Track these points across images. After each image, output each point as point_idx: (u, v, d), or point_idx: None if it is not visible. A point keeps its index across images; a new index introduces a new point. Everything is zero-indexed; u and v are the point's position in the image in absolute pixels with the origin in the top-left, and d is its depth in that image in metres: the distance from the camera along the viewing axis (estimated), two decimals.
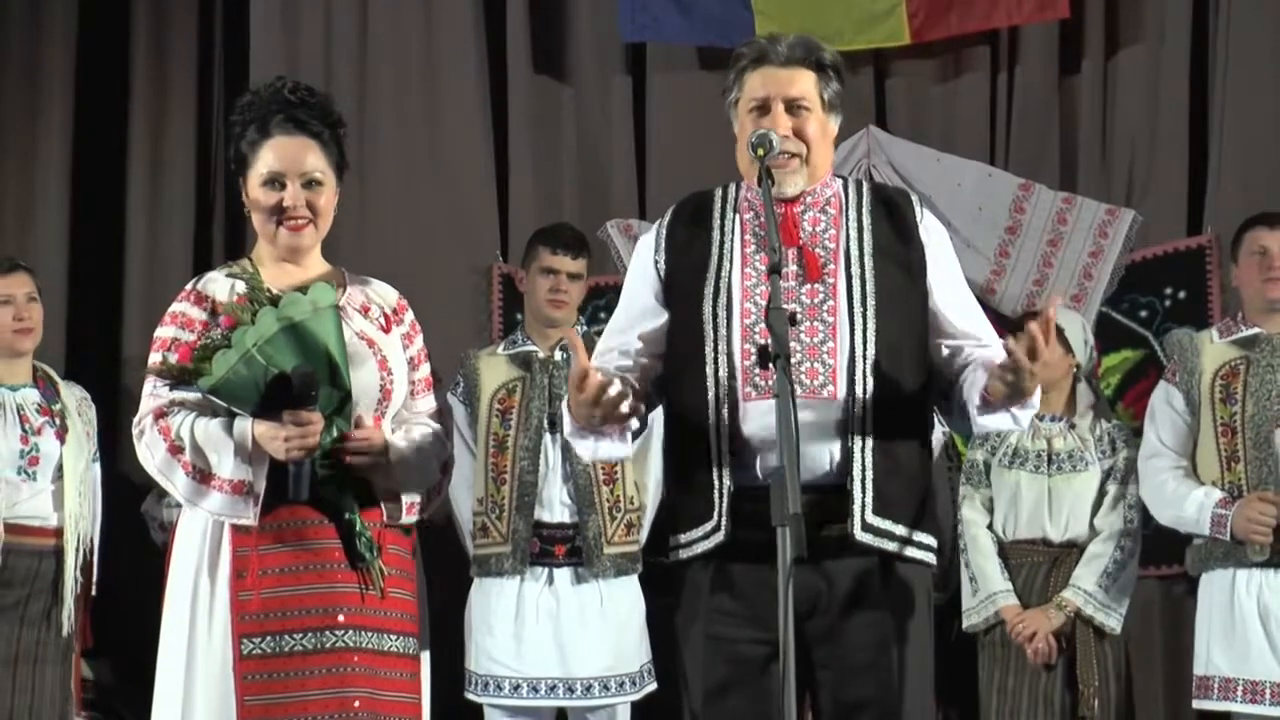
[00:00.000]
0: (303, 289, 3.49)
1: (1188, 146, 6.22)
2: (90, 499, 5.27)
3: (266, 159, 3.55)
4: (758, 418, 3.21)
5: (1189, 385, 4.96)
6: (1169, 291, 6.14)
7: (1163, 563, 5.82)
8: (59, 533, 5.17)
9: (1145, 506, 5.14)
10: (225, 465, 3.38)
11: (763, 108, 3.35)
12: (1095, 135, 6.31)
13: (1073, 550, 5.19)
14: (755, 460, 3.23)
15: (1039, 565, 5.21)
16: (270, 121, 3.56)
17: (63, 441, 5.20)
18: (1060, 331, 5.30)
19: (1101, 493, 5.21)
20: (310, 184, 3.56)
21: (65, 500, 5.16)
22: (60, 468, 5.18)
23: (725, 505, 3.23)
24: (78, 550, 5.18)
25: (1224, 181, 6.10)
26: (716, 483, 3.24)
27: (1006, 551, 5.23)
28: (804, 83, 3.37)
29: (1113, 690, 5.15)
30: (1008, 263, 6.21)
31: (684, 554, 3.31)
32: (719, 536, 3.24)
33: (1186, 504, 4.90)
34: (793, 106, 3.35)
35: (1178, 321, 5.99)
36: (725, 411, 3.25)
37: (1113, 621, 5.12)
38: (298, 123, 3.58)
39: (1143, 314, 6.15)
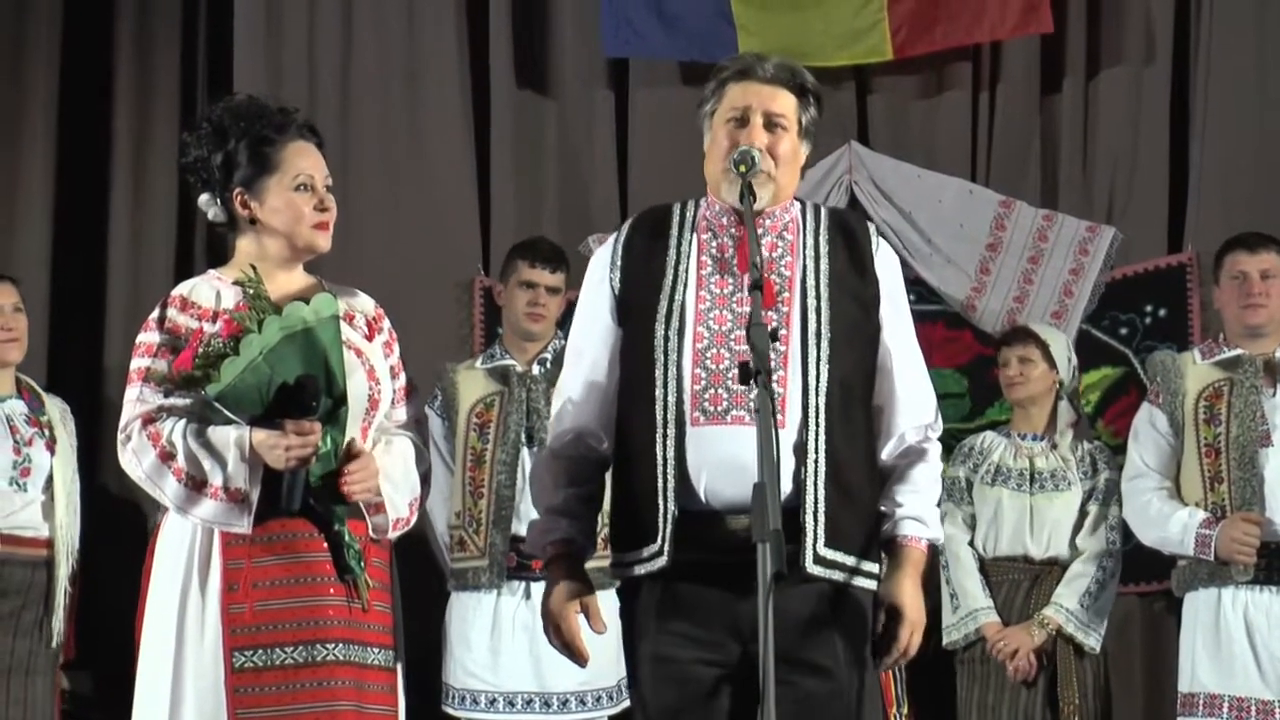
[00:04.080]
0: (302, 298, 3.48)
1: (1168, 164, 6.25)
2: (78, 508, 5.27)
3: (296, 162, 3.54)
4: (705, 443, 3.20)
5: (1172, 407, 4.97)
6: (1149, 309, 6.15)
7: (1142, 580, 5.83)
8: (50, 543, 5.18)
9: (1126, 527, 5.15)
10: (221, 473, 3.36)
11: (742, 119, 3.34)
12: (1076, 153, 6.33)
13: (1054, 568, 5.20)
14: (701, 485, 3.20)
15: (1019, 583, 5.22)
16: (282, 127, 3.56)
17: (53, 452, 5.21)
18: (1045, 347, 5.32)
19: (1082, 513, 5.22)
20: (328, 188, 3.58)
21: (55, 511, 5.17)
22: (50, 479, 5.18)
23: (669, 529, 3.21)
24: (68, 562, 5.18)
25: (1204, 199, 6.12)
26: (661, 506, 3.22)
27: (987, 568, 5.24)
28: (785, 101, 3.36)
29: (1092, 707, 5.16)
30: (988, 280, 6.21)
31: (626, 573, 3.30)
32: (661, 560, 3.22)
33: (1170, 525, 4.91)
34: (771, 123, 3.34)
35: (1158, 339, 6.01)
36: (673, 435, 3.23)
37: (1092, 641, 5.14)
38: (309, 129, 3.60)
39: (1123, 331, 6.17)
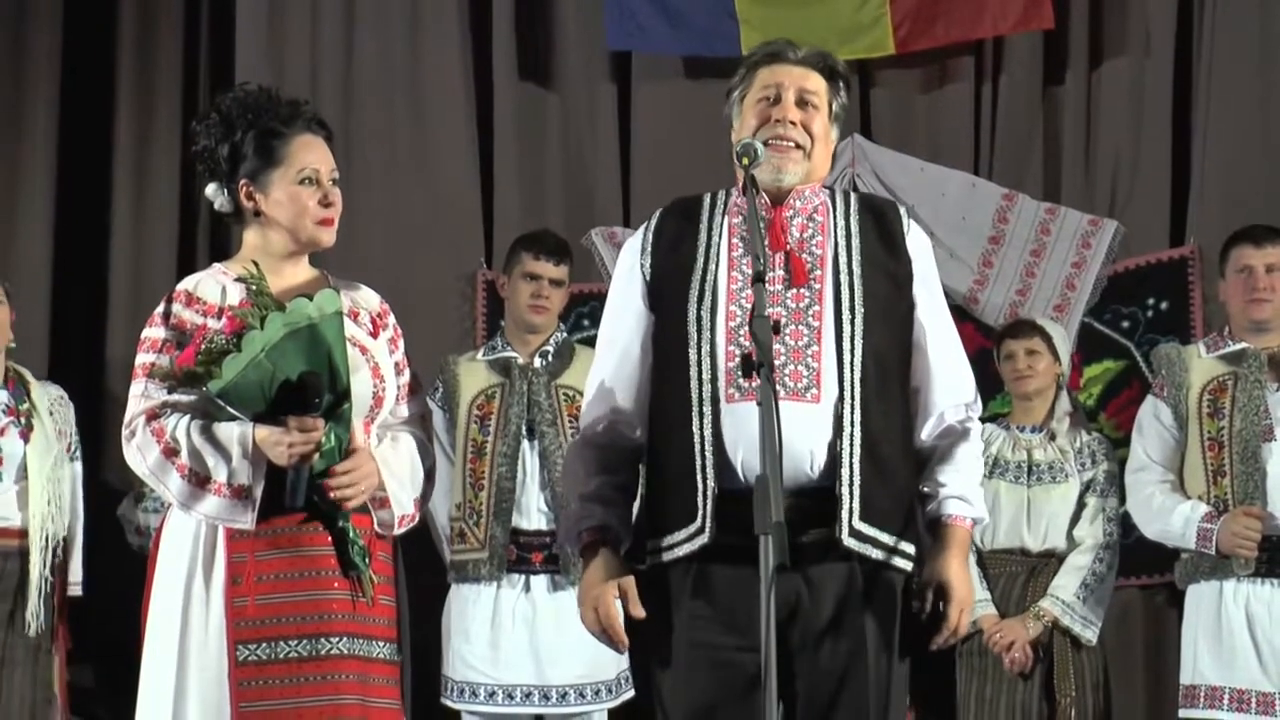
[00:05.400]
0: (306, 292, 3.48)
1: (1170, 157, 6.24)
2: (61, 498, 5.25)
3: (302, 156, 3.54)
4: (740, 419, 3.20)
5: (1177, 399, 4.97)
6: (1151, 302, 6.15)
7: (1143, 573, 5.83)
8: (24, 533, 5.16)
9: (1124, 519, 5.15)
10: (225, 469, 3.36)
11: (774, 98, 3.36)
12: (1078, 146, 6.33)
13: (1050, 560, 5.20)
14: (738, 462, 3.21)
15: (1016, 575, 5.22)
16: (289, 120, 3.56)
17: (27, 441, 5.19)
18: (1049, 339, 5.33)
19: (1080, 505, 5.22)
20: (334, 182, 3.58)
21: (30, 500, 5.15)
22: (25, 468, 5.17)
23: (710, 507, 3.21)
24: (45, 551, 5.17)
25: (1206, 193, 6.12)
26: (700, 485, 3.22)
27: (984, 560, 5.24)
28: (817, 82, 3.39)
29: (1090, 700, 5.16)
30: (991, 272, 6.22)
31: (664, 557, 3.28)
32: (703, 538, 3.21)
33: (1172, 518, 4.92)
34: (804, 100, 3.36)
35: (1160, 332, 6.01)
36: (708, 413, 3.23)
37: (1089, 633, 5.14)
38: (316, 122, 3.60)
39: (1125, 324, 6.17)
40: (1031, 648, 5.11)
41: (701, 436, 3.23)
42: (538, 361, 5.31)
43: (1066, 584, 5.12)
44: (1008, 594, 5.20)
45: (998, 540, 5.23)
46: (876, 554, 3.22)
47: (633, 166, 6.52)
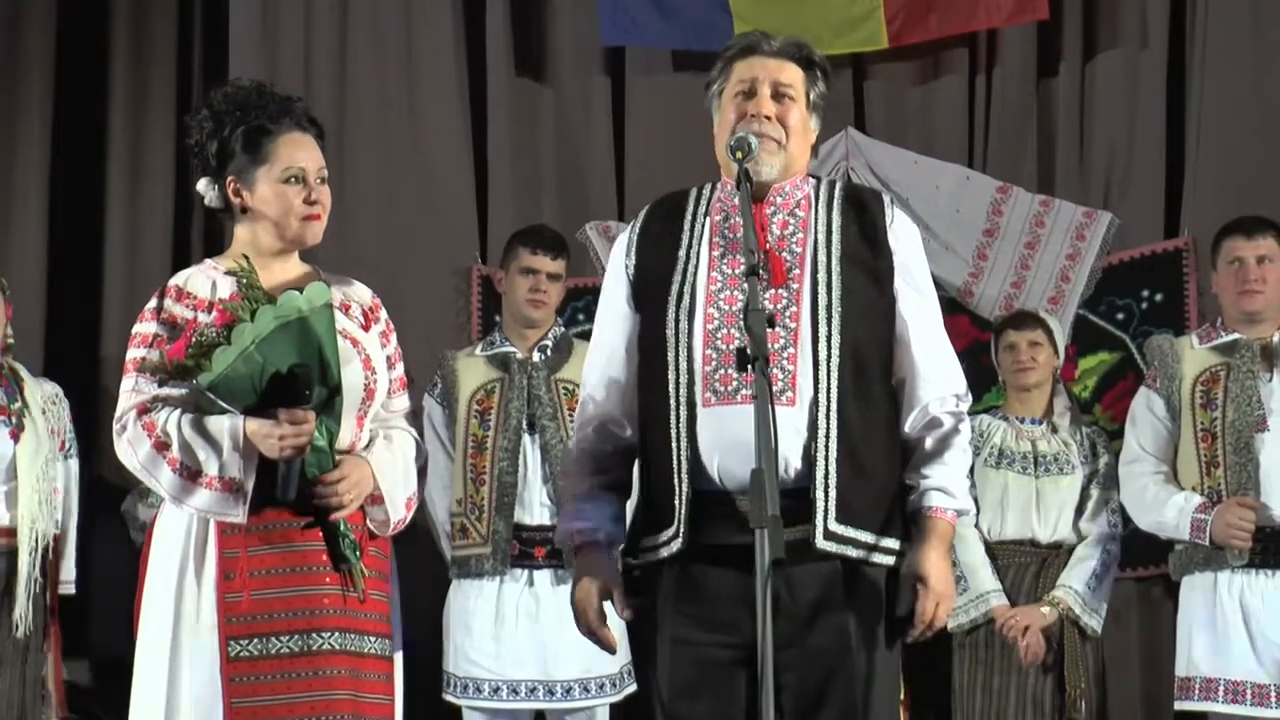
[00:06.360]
0: (297, 287, 3.48)
1: (1165, 149, 6.25)
2: (52, 498, 5.23)
3: (288, 154, 3.54)
4: (715, 424, 3.20)
5: (1169, 391, 4.97)
6: (1146, 294, 6.16)
7: (1139, 564, 5.84)
8: (12, 532, 5.15)
9: (1124, 510, 5.15)
10: (216, 462, 3.37)
11: (749, 91, 3.35)
12: (1073, 138, 6.33)
13: (1060, 551, 5.21)
14: (714, 467, 3.21)
15: (1027, 566, 5.22)
16: (278, 118, 3.56)
17: (17, 441, 5.18)
18: (1050, 331, 5.34)
19: (1084, 496, 5.23)
20: (322, 180, 3.58)
21: (19, 499, 5.14)
22: (14, 467, 5.16)
23: (684, 511, 3.22)
24: (35, 552, 5.16)
25: (1201, 184, 6.13)
26: (676, 488, 3.23)
27: (993, 551, 5.24)
28: (792, 73, 3.37)
29: (1093, 692, 5.17)
30: (985, 265, 6.22)
31: (648, 558, 3.29)
32: (678, 543, 3.23)
33: (1166, 509, 4.91)
34: (779, 93, 3.35)
35: (1155, 324, 6.02)
36: (685, 416, 3.23)
37: (1095, 624, 5.16)
38: (306, 120, 3.60)
39: (1120, 316, 6.17)
40: (1044, 637, 5.12)
41: (678, 441, 3.23)
42: (537, 356, 5.31)
43: (1077, 575, 5.14)
44: (1018, 585, 5.20)
45: (1007, 531, 5.23)
46: (855, 553, 3.22)
47: (626, 161, 6.53)
